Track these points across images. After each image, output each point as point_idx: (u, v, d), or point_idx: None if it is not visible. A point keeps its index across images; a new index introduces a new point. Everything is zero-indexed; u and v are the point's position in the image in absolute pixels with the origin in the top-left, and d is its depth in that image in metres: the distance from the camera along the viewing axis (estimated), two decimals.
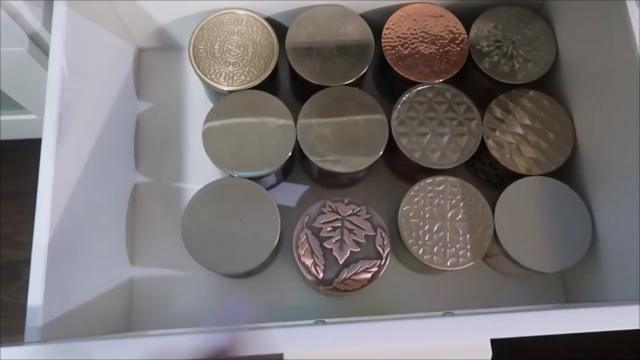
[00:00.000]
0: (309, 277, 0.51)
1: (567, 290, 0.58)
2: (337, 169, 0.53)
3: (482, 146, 0.55)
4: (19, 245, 0.88)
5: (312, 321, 0.39)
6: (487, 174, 0.58)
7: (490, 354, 0.34)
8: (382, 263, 0.51)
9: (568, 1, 0.57)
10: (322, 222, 0.52)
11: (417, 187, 0.54)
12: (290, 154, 0.54)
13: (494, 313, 0.35)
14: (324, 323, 0.36)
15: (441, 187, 0.54)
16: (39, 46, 0.49)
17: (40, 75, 0.49)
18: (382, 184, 0.61)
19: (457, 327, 0.35)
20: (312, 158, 0.53)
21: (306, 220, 0.52)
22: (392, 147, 0.55)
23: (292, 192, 0.61)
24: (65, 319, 0.41)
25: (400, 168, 0.60)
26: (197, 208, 0.52)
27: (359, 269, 0.51)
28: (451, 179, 0.54)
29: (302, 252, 0.52)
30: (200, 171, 0.61)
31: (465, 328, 0.35)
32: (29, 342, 0.36)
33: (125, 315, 0.56)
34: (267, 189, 0.58)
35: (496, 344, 0.36)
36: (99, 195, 0.52)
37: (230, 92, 0.56)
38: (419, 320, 0.34)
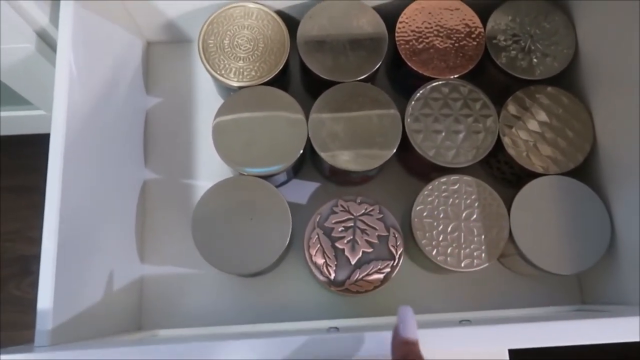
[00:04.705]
0: (321, 278, 0.50)
1: (583, 291, 0.57)
2: (350, 166, 0.52)
3: (498, 144, 0.54)
4: (30, 240, 0.88)
5: (325, 328, 0.38)
6: (503, 172, 0.57)
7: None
8: (395, 264, 0.50)
9: None
10: (334, 221, 0.51)
11: (431, 187, 0.52)
12: (301, 151, 0.53)
13: (512, 322, 0.34)
14: (337, 330, 0.35)
15: (456, 187, 0.52)
16: (47, 42, 0.49)
17: (48, 71, 0.48)
18: (395, 182, 0.60)
19: (474, 337, 0.34)
20: (323, 155, 0.52)
21: (318, 219, 0.52)
22: (405, 144, 0.53)
23: (303, 190, 0.60)
24: (75, 320, 0.41)
25: (413, 166, 0.59)
26: (207, 208, 0.51)
27: (371, 269, 0.50)
28: (466, 178, 0.53)
29: (314, 252, 0.51)
30: (210, 167, 0.60)
31: (482, 338, 0.34)
32: (39, 347, 0.36)
33: (135, 313, 0.56)
34: (278, 186, 0.58)
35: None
36: (108, 191, 0.51)
37: (240, 87, 0.55)
38: (435, 330, 0.33)
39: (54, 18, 0.46)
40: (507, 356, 0.34)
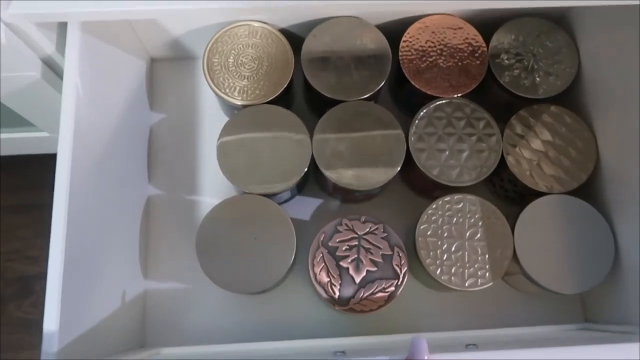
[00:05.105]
0: (325, 297, 0.50)
1: (586, 310, 0.57)
2: (353, 185, 0.52)
3: (502, 163, 0.54)
4: (31, 260, 0.87)
5: (332, 352, 0.38)
6: (506, 190, 0.57)
7: None
8: (399, 283, 0.50)
9: (590, 11, 0.55)
10: (338, 240, 0.52)
11: (434, 206, 0.53)
12: (305, 169, 0.53)
13: (517, 348, 0.34)
14: (344, 354, 0.35)
15: (460, 206, 0.53)
16: (52, 69, 0.49)
17: (53, 97, 0.48)
18: (399, 200, 0.60)
19: None
20: (327, 174, 0.52)
21: (322, 238, 0.52)
22: (409, 163, 0.54)
23: (306, 207, 0.60)
24: (80, 340, 0.41)
25: (417, 184, 0.59)
26: (211, 226, 0.52)
27: (375, 288, 0.50)
28: (470, 197, 0.53)
29: (318, 271, 0.51)
30: (214, 184, 0.60)
31: None
32: None
33: (138, 331, 0.56)
34: (281, 203, 0.58)
35: None
36: (113, 208, 0.51)
37: (244, 106, 0.55)
38: (441, 355, 0.33)
39: (60, 45, 0.46)
40: None
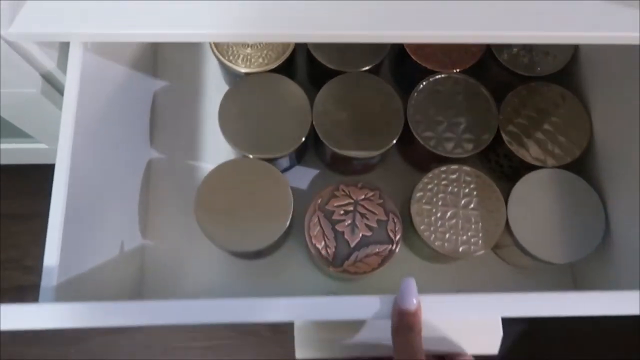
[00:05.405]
0: (320, 259, 0.51)
1: (576, 283, 0.58)
2: (352, 153, 0.53)
3: (498, 138, 0.55)
4: (28, 270, 0.84)
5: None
6: (502, 166, 0.58)
7: (501, 332, 0.34)
8: (393, 248, 0.51)
9: None
10: (334, 205, 0.52)
11: (430, 175, 0.54)
12: (305, 137, 0.54)
13: (506, 292, 0.35)
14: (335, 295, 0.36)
15: (455, 175, 0.54)
16: (52, 84, 0.48)
17: (52, 111, 0.47)
18: (396, 173, 0.61)
19: (468, 305, 0.35)
20: (327, 142, 0.54)
21: (319, 202, 0.53)
22: (407, 135, 0.55)
23: (305, 176, 0.61)
24: (79, 280, 0.41)
25: (414, 156, 0.60)
26: (211, 186, 0.52)
27: (369, 252, 0.51)
28: (465, 168, 0.54)
29: (314, 234, 0.52)
30: (214, 150, 0.61)
31: (476, 306, 0.35)
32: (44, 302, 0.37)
33: (136, 285, 0.56)
34: (281, 172, 0.59)
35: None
36: (114, 166, 0.52)
37: (247, 74, 0.56)
38: (428, 296, 0.34)
39: (62, 62, 0.45)
40: (500, 325, 0.34)
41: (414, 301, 0.33)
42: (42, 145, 0.62)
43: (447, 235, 0.52)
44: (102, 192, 0.49)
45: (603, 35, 0.39)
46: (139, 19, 0.39)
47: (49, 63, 0.45)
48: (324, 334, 0.35)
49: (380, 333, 0.34)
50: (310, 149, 0.61)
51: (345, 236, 0.52)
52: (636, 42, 0.39)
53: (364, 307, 0.34)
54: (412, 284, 0.34)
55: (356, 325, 0.35)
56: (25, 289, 0.83)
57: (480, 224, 0.52)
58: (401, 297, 0.34)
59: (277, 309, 0.35)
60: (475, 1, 0.40)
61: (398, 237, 0.52)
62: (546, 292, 0.53)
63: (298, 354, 0.36)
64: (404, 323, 0.33)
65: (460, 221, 0.52)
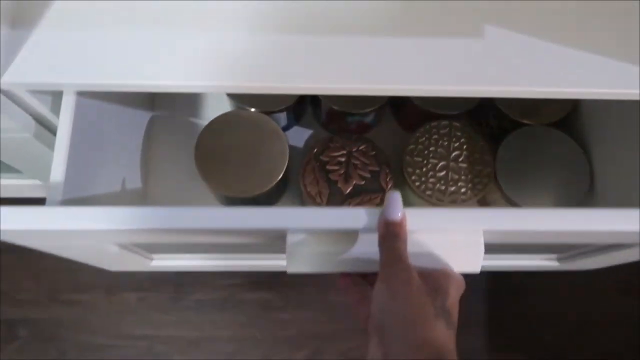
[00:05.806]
0: (313, 205, 0.53)
1: None
2: (348, 108, 0.56)
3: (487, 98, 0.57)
4: (18, 304, 0.80)
5: None
6: (492, 128, 0.60)
7: (482, 247, 0.36)
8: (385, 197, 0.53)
9: None
10: (329, 155, 0.55)
11: (423, 129, 0.56)
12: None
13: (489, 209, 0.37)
14: None
15: (446, 130, 0.56)
16: (45, 126, 0.48)
17: (44, 152, 0.48)
18: (390, 136, 0.63)
19: (451, 217, 0.37)
20: (323, 97, 0.56)
21: (314, 152, 0.55)
22: (400, 97, 0.57)
23: (301, 136, 0.63)
24: (82, 203, 0.43)
25: (407, 117, 0.62)
26: (211, 134, 0.55)
27: (361, 200, 0.53)
28: (456, 124, 0.56)
29: (308, 182, 0.54)
30: (214, 107, 0.63)
31: (459, 219, 0.37)
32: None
33: None
34: None
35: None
36: (117, 120, 0.54)
37: None
38: (413, 209, 0.36)
39: (55, 107, 0.45)
40: (482, 238, 0.36)
41: (399, 213, 0.35)
42: (35, 182, 0.63)
43: (437, 186, 0.54)
44: (106, 134, 0.51)
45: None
46: (132, 68, 0.39)
47: (43, 109, 0.45)
48: (314, 248, 0.37)
49: (369, 247, 0.36)
50: (307, 110, 0.63)
51: (339, 184, 0.54)
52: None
53: (353, 218, 0.36)
54: (398, 198, 0.35)
55: (346, 240, 0.37)
56: (15, 323, 0.78)
57: (469, 176, 0.54)
58: (387, 209, 0.35)
59: (272, 216, 0.37)
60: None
61: (390, 186, 0.54)
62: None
63: (289, 269, 0.37)
64: (390, 231, 0.35)
65: (450, 173, 0.54)
